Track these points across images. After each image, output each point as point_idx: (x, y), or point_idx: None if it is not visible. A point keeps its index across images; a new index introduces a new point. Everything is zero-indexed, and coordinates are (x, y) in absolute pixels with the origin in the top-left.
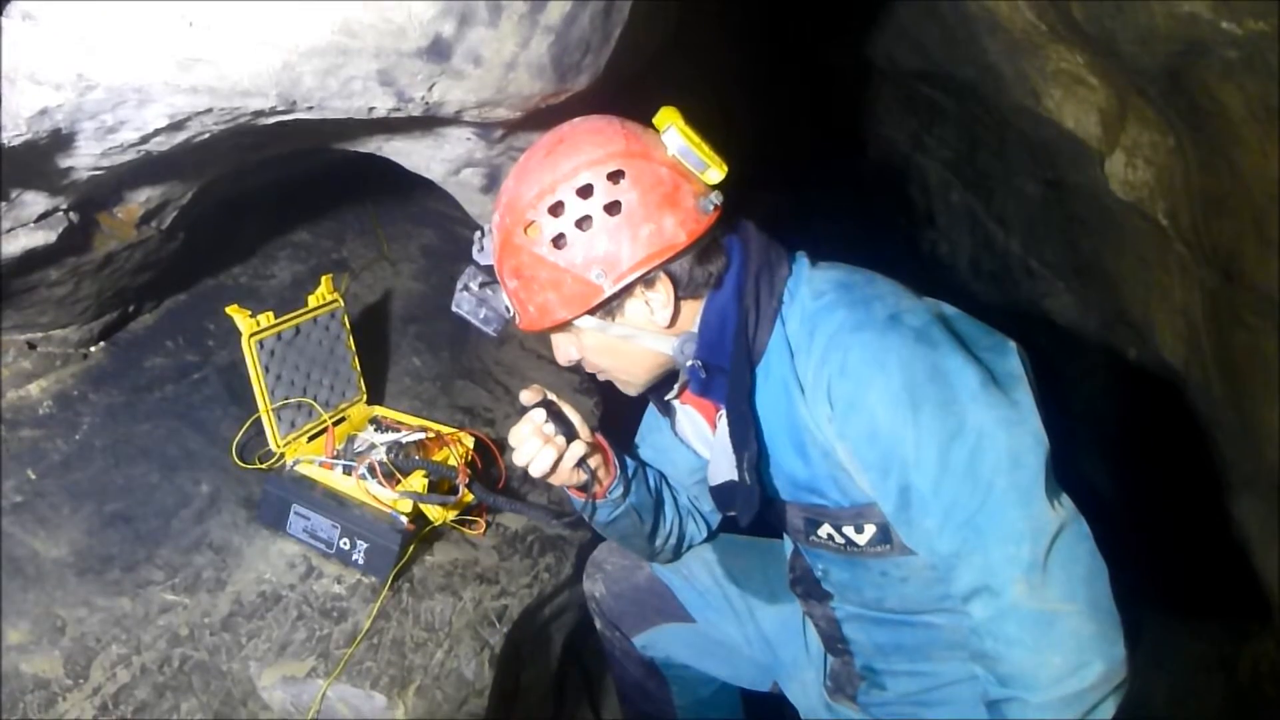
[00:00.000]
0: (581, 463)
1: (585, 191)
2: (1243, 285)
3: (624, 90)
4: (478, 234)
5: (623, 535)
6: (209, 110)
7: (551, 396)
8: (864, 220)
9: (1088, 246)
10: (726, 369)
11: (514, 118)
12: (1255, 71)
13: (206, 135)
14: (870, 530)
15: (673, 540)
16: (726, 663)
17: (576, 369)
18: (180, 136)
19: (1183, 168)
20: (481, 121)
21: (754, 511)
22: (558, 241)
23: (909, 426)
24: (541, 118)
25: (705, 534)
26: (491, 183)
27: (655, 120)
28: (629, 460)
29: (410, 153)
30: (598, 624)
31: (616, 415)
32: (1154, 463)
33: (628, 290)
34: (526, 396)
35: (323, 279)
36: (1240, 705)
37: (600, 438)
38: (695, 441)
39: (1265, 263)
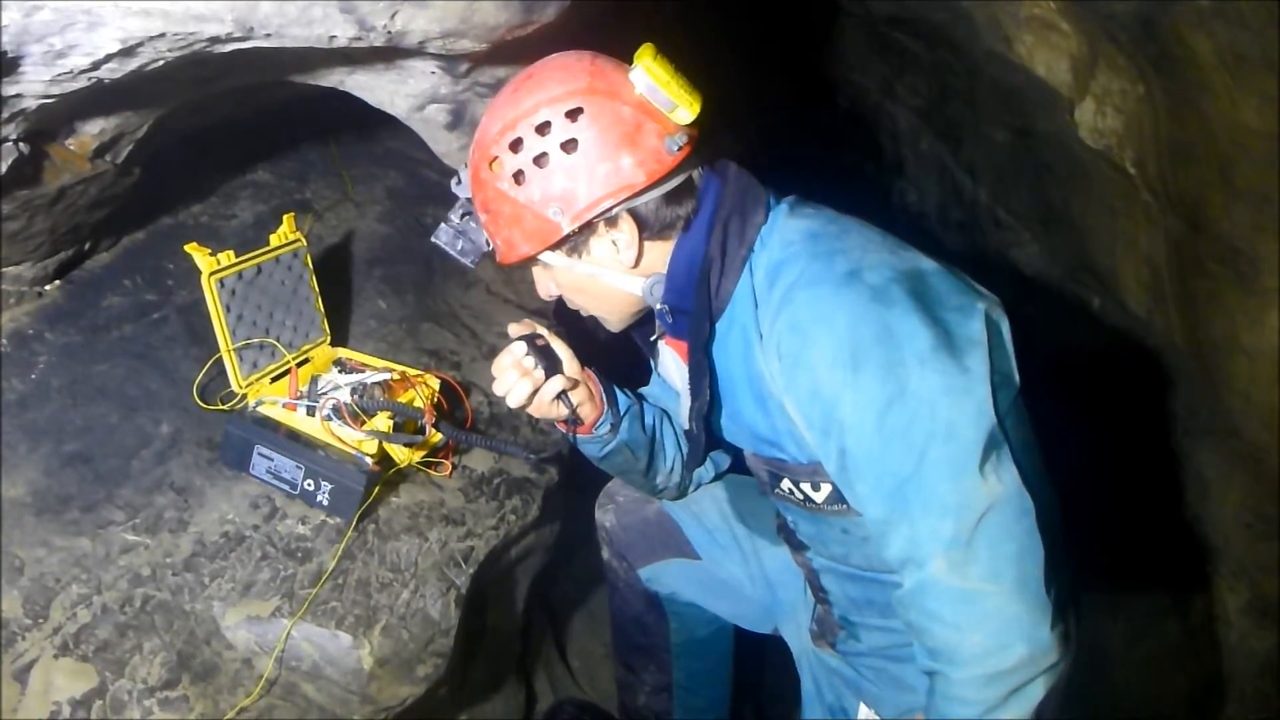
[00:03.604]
0: (562, 396)
1: (543, 128)
2: (1207, 234)
3: (596, 27)
4: (460, 167)
5: (619, 471)
6: (162, 35)
7: (541, 330)
8: (833, 168)
9: (1056, 195)
10: (690, 314)
11: (479, 50)
12: (1226, 18)
13: (161, 63)
14: (826, 489)
15: (675, 478)
16: (729, 601)
17: (545, 308)
18: (133, 63)
19: (1152, 116)
20: (446, 54)
21: (700, 459)
22: (518, 178)
23: (848, 388)
24: (508, 51)
25: (713, 474)
26: (456, 119)
27: (635, 57)
28: (623, 398)
29: (373, 87)
30: (604, 553)
31: (594, 359)
32: (1115, 410)
33: (591, 228)
34: (514, 329)
35: (284, 218)
36: (1193, 647)
37: (590, 374)
38: (678, 382)
39: (1230, 211)
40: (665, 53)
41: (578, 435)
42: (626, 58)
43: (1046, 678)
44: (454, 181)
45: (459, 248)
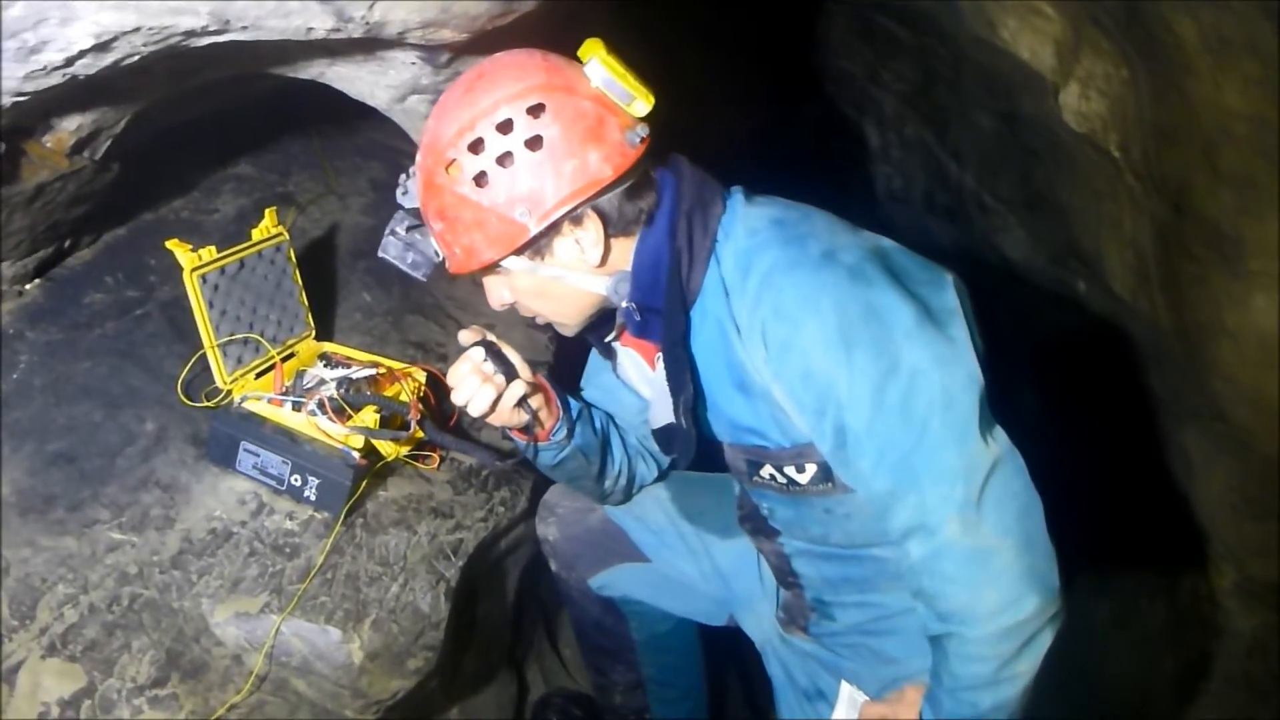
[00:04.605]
0: (522, 402)
1: (505, 127)
2: (1191, 217)
3: (576, 19)
4: (402, 176)
5: (570, 477)
6: (137, 29)
7: (491, 337)
8: (819, 154)
9: (1041, 180)
10: (661, 310)
11: (460, 40)
12: (1210, 2)
13: (137, 57)
14: (811, 469)
15: (622, 481)
16: (683, 599)
17: (511, 312)
18: (109, 58)
19: (1135, 99)
20: (426, 44)
21: (691, 455)
22: (479, 180)
23: (842, 367)
24: (489, 41)
25: (656, 474)
26: None
27: (580, 52)
28: (574, 402)
29: (354, 79)
30: (552, 565)
31: (572, 356)
32: (1101, 394)
33: (555, 229)
34: (465, 336)
35: (266, 211)
36: (1180, 626)
37: (542, 379)
38: (638, 383)
39: (1214, 194)
40: (650, 45)
41: (536, 443)
42: (613, 51)
43: (1053, 626)
44: (399, 192)
45: (409, 261)
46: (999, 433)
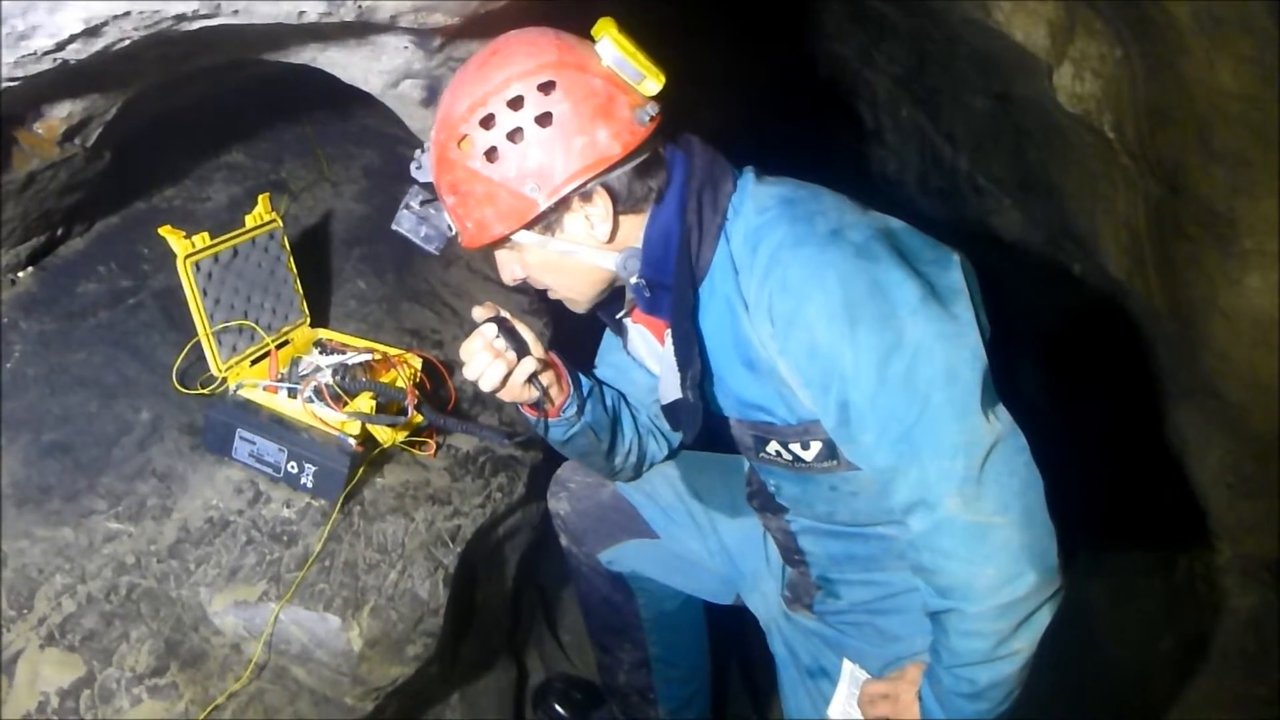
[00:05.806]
0: (533, 378)
1: (516, 103)
2: (1185, 197)
3: (571, 3)
4: (417, 151)
5: (581, 453)
6: (127, 14)
7: (504, 313)
8: (814, 138)
9: (1035, 161)
10: (671, 286)
11: (452, 24)
12: None
13: (127, 43)
14: (816, 446)
15: (633, 459)
16: (690, 576)
17: (524, 288)
18: (99, 44)
19: (1130, 79)
20: (419, 28)
21: (697, 429)
22: (490, 155)
23: (847, 342)
24: (482, 25)
25: (667, 452)
26: (432, 95)
27: (593, 31)
28: (584, 379)
29: (346, 64)
30: (563, 540)
31: (570, 338)
32: (1096, 374)
33: (565, 204)
34: (479, 312)
35: (260, 198)
36: (1177, 604)
37: (553, 356)
38: (648, 360)
39: (1208, 174)
40: (644, 29)
41: (546, 419)
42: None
43: (1051, 605)
44: (413, 166)
45: (422, 234)
46: (1001, 411)
